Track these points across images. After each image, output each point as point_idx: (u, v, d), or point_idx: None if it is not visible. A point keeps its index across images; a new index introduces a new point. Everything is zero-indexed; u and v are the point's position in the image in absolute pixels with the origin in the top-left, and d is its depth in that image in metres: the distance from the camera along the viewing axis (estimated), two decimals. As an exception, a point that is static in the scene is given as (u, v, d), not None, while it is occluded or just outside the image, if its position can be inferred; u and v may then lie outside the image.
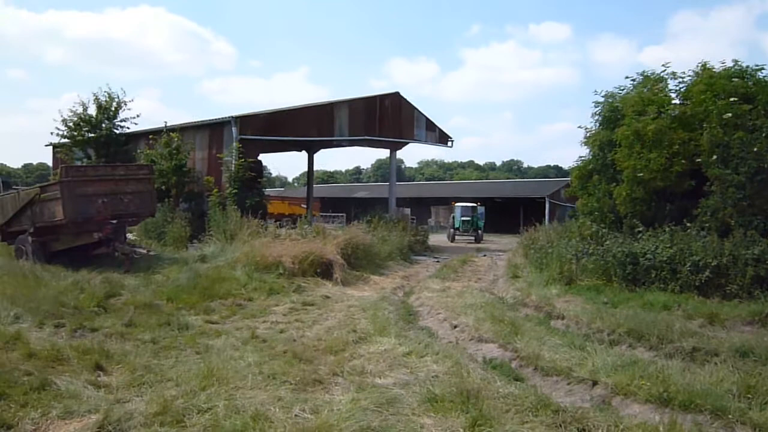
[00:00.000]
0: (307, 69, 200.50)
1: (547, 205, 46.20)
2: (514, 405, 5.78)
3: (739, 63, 14.50)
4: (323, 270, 14.35)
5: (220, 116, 22.16)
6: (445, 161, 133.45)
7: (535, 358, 7.68)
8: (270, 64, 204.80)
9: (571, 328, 9.76)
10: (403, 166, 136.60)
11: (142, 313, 9.56)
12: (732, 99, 12.78)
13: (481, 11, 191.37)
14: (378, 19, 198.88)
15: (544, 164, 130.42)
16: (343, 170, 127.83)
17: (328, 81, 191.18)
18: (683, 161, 13.44)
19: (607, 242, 13.47)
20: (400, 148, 28.43)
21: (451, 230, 35.18)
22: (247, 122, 21.23)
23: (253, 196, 20.27)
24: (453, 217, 36.34)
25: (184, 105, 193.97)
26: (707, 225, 12.66)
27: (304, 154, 31.07)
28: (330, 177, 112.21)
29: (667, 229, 12.81)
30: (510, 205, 50.29)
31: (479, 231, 35.45)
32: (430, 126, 28.81)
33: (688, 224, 12.73)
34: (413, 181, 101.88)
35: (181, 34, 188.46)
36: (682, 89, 15.62)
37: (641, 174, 13.66)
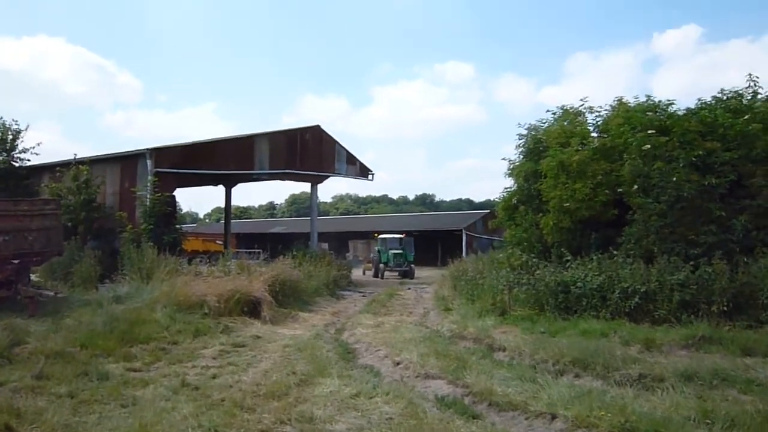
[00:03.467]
0: (215, 104, 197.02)
1: (464, 237, 47.03)
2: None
3: (652, 98, 15.35)
4: (250, 308, 13.64)
5: (130, 149, 21.01)
6: (360, 195, 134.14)
7: (488, 393, 7.40)
8: (177, 97, 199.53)
9: (516, 359, 9.60)
10: (318, 201, 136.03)
11: (54, 363, 8.50)
12: (650, 131, 13.36)
13: (388, 50, 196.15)
14: (285, 55, 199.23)
15: (456, 198, 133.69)
16: (257, 206, 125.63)
17: (238, 116, 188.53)
18: (606, 191, 13.88)
19: (538, 272, 13.60)
20: (321, 182, 28.03)
21: (380, 265, 32.18)
22: (162, 155, 20.18)
23: (170, 233, 19.17)
24: (378, 251, 33.61)
25: (87, 139, 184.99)
26: (632, 252, 13.03)
27: (214, 189, 30.06)
28: (243, 212, 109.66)
29: (594, 257, 13.10)
30: (427, 237, 50.76)
31: (411, 264, 32.74)
32: (351, 159, 28.68)
33: (615, 252, 13.07)
34: (328, 215, 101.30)
35: (82, 66, 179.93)
36: (599, 123, 16.29)
37: (567, 204, 13.97)
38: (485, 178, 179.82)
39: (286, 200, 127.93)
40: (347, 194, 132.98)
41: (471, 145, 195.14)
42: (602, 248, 13.86)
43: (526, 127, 16.77)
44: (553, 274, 13.10)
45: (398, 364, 9.37)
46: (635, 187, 13.34)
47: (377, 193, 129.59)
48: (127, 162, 21.02)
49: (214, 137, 24.10)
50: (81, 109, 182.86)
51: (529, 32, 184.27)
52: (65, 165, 21.06)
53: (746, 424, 5.78)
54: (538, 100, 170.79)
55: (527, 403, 6.96)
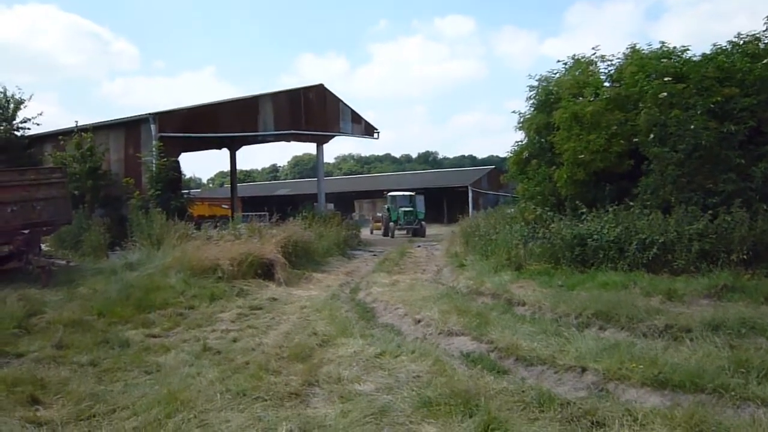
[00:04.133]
0: (214, 67, 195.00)
1: (470, 194, 46.86)
2: (515, 402, 5.38)
3: (666, 44, 14.87)
4: (264, 271, 13.56)
5: (135, 114, 20.67)
6: (363, 155, 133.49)
7: (513, 349, 7.32)
8: (175, 63, 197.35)
9: (537, 314, 9.50)
10: (323, 161, 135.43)
11: (73, 332, 8.46)
12: (666, 79, 12.99)
13: (386, 6, 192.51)
14: (283, 15, 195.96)
15: (459, 155, 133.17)
16: (260, 168, 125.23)
17: (237, 78, 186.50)
18: (622, 141, 13.57)
19: (553, 225, 13.43)
20: (327, 142, 27.68)
21: (390, 223, 31.38)
22: (166, 119, 19.86)
23: (177, 198, 18.99)
24: (388, 209, 32.60)
25: (85, 109, 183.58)
26: (648, 203, 12.80)
27: (216, 153, 29.76)
28: (247, 176, 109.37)
29: (610, 209, 12.90)
30: (433, 195, 50.58)
31: (422, 222, 32.00)
32: (356, 118, 28.25)
33: (631, 203, 12.86)
34: (331, 176, 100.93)
35: (76, 34, 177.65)
36: (611, 72, 15.88)
37: (582, 156, 13.69)
38: (488, 134, 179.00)
39: (288, 162, 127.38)
40: (350, 154, 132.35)
41: (473, 102, 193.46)
42: (617, 200, 13.62)
43: (537, 78, 16.39)
44: (569, 227, 12.93)
45: (419, 322, 9.28)
46: (651, 136, 13.03)
47: (380, 152, 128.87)
48: (131, 128, 20.72)
49: (217, 100, 23.66)
50: (77, 79, 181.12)
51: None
52: (68, 133, 20.77)
53: (783, 372, 5.68)
54: (540, 53, 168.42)
55: (555, 357, 6.87)
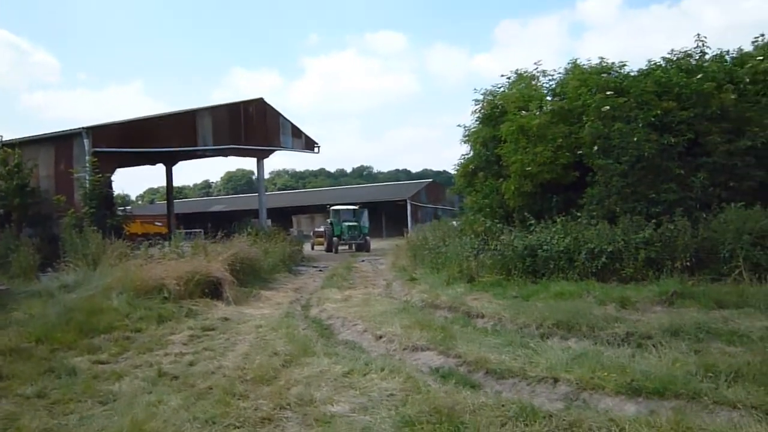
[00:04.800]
0: (142, 81, 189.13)
1: (408, 208, 47.17)
2: (497, 417, 5.26)
3: (605, 60, 15.42)
4: (211, 289, 13.01)
5: (64, 129, 19.66)
6: (297, 170, 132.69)
7: (483, 362, 7.26)
8: (99, 76, 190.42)
9: (498, 326, 9.52)
10: (254, 177, 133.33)
11: (11, 362, 7.82)
12: (608, 93, 13.43)
13: (316, 20, 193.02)
14: (213, 29, 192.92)
15: (393, 168, 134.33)
16: (192, 185, 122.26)
17: (167, 94, 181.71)
18: (567, 153, 13.94)
19: (503, 237, 13.58)
20: (267, 156, 27.21)
21: (334, 238, 30.67)
22: (100, 134, 18.97)
23: (113, 215, 18.12)
24: (331, 224, 31.98)
25: (3, 122, 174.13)
26: (594, 213, 13.17)
27: (145, 170, 28.72)
28: (179, 192, 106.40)
29: (558, 220, 13.17)
30: (371, 209, 50.62)
31: (366, 237, 31.63)
32: (296, 132, 27.92)
33: (578, 214, 13.18)
34: (267, 191, 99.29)
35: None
36: (552, 86, 16.32)
37: (529, 168, 13.96)
38: (421, 148, 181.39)
39: (222, 178, 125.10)
40: (284, 169, 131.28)
41: (406, 116, 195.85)
42: (564, 211, 13.97)
43: (482, 92, 16.64)
44: (519, 238, 13.11)
45: (380, 337, 9.11)
46: (595, 148, 13.44)
47: (314, 167, 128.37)
48: (62, 143, 19.65)
49: (153, 114, 22.84)
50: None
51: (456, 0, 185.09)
52: (-8, 148, 19.55)
53: (750, 375, 5.84)
54: (470, 69, 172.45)
55: (525, 369, 6.84)
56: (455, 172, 17.70)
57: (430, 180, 56.52)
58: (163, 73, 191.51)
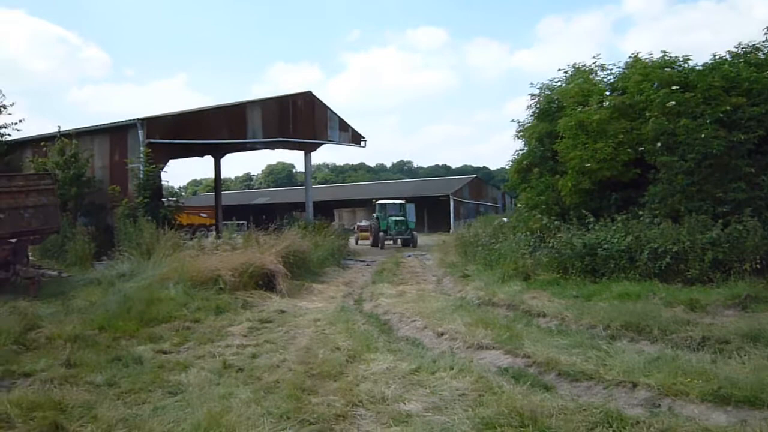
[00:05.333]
0: (185, 76, 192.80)
1: (451, 203, 46.83)
2: (582, 422, 5.06)
3: (668, 53, 14.87)
4: (265, 282, 13.08)
5: (120, 120, 20.02)
6: (337, 164, 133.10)
7: (553, 363, 7.03)
8: (145, 71, 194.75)
9: (562, 326, 9.24)
10: (294, 171, 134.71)
11: (78, 349, 7.93)
12: (674, 87, 12.94)
13: (358, 16, 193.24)
14: (255, 24, 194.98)
15: (433, 164, 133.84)
16: (233, 177, 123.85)
17: (209, 88, 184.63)
18: (628, 150, 13.49)
19: (560, 235, 13.24)
20: (315, 150, 27.25)
21: (380, 233, 29.62)
22: (153, 125, 19.23)
23: (167, 206, 18.37)
24: (377, 218, 30.84)
25: (54, 116, 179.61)
26: (657, 212, 12.72)
27: (188, 162, 28.90)
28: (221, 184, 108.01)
29: (619, 218, 12.78)
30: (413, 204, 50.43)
31: (413, 232, 30.63)
32: (343, 126, 27.90)
33: (640, 212, 12.75)
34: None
35: (45, 40, 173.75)
36: (611, 81, 15.83)
37: (588, 164, 13.56)
38: (460, 143, 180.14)
39: (263, 171, 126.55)
40: (324, 163, 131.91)
41: (445, 112, 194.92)
42: (622, 209, 13.56)
43: (538, 86, 16.26)
44: (577, 236, 12.75)
45: (442, 335, 8.94)
46: (658, 144, 12.98)
47: (354, 162, 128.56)
48: (117, 134, 20.03)
49: (204, 106, 23.05)
50: (45, 86, 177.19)
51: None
52: (50, 139, 19.97)
53: None
54: (511, 65, 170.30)
55: (599, 372, 6.59)
56: (508, 168, 17.35)
57: (474, 176, 56.00)
58: (205, 68, 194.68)
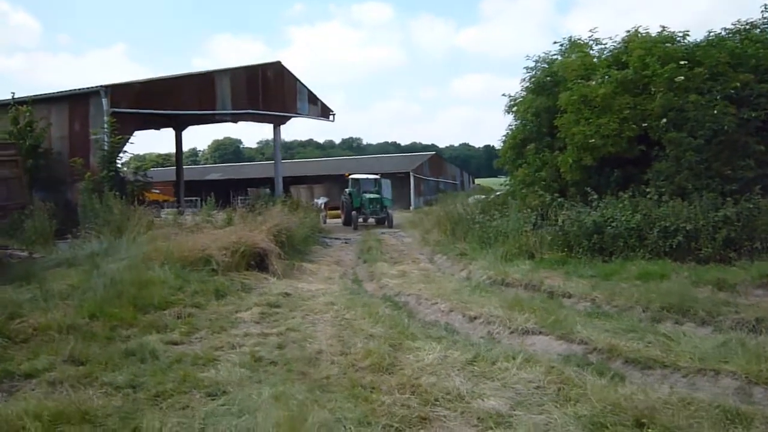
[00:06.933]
0: (125, 45, 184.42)
1: (411, 180, 46.28)
2: (707, 418, 4.57)
3: (667, 28, 14.58)
4: (256, 261, 12.20)
5: (80, 87, 18.41)
6: (285, 140, 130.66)
7: (615, 350, 6.58)
8: (81, 39, 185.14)
9: (592, 307, 8.84)
10: (242, 146, 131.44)
11: (75, 340, 6.93)
12: (682, 62, 12.63)
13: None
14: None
15: (382, 141, 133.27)
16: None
17: (150, 59, 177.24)
18: (633, 126, 13.15)
19: (565, 212, 12.85)
20: (284, 123, 26.00)
21: (353, 212, 26.74)
22: (119, 93, 17.72)
23: (135, 181, 17.06)
24: (349, 194, 28.06)
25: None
26: (662, 190, 12.46)
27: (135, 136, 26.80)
28: (166, 159, 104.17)
29: (625, 195, 12.47)
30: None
31: (388, 210, 27.86)
32: (312, 99, 26.77)
33: (647, 189, 12.46)
34: (254, 161, 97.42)
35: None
36: (605, 56, 15.43)
37: (592, 140, 13.16)
38: (407, 121, 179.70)
39: (209, 146, 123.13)
40: (272, 139, 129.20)
41: (392, 89, 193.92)
42: (623, 186, 13.26)
43: (534, 59, 15.73)
44: (585, 214, 12.37)
45: (474, 318, 8.39)
46: (664, 120, 12.69)
47: (303, 138, 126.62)
48: (77, 101, 18.35)
49: (172, 74, 21.54)
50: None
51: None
52: (1, 106, 18.20)
53: None
54: (456, 43, 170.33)
55: (671, 359, 6.18)
56: (501, 144, 16.81)
57: (433, 152, 55.61)
58: (144, 38, 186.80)
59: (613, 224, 11.93)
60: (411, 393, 5.28)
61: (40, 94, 18.78)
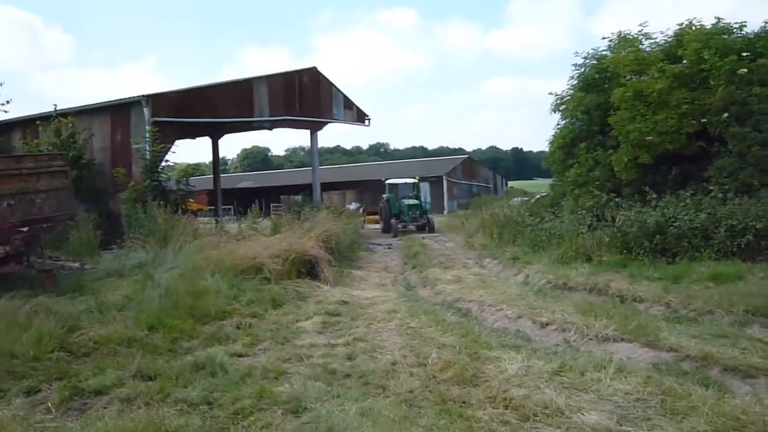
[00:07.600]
0: (154, 58, 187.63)
1: (444, 184, 45.87)
2: None
3: (722, 20, 14.02)
4: (307, 269, 11.97)
5: (122, 97, 18.47)
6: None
7: (710, 357, 6.15)
8: (112, 54, 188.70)
9: (668, 312, 8.39)
10: (270, 154, 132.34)
11: (136, 352, 6.77)
12: (744, 54, 12.11)
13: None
14: (224, 6, 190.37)
15: (410, 146, 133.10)
16: (207, 162, 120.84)
17: (178, 70, 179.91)
18: (692, 121, 12.64)
19: (623, 212, 12.37)
20: (321, 129, 25.86)
21: (391, 219, 25.45)
22: (159, 102, 17.72)
23: (178, 190, 17.01)
24: (387, 200, 26.97)
25: (18, 102, 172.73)
26: (726, 187, 11.93)
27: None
28: (195, 169, 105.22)
29: (687, 194, 11.97)
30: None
31: (428, 216, 26.59)
32: (348, 104, 26.57)
33: (710, 187, 11.94)
34: (282, 168, 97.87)
35: (7, 24, 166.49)
36: (655, 50, 14.93)
37: (650, 137, 12.67)
38: (434, 125, 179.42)
39: (237, 155, 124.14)
40: (300, 147, 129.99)
41: (419, 93, 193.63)
42: (681, 185, 12.74)
43: (583, 55, 15.28)
44: (646, 213, 11.89)
45: (546, 325, 8.01)
46: (725, 115, 12.17)
47: (330, 144, 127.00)
48: (118, 112, 18.41)
49: (210, 83, 21.47)
50: (6, 72, 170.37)
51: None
52: (44, 119, 18.32)
53: None
54: (484, 46, 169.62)
55: (768, 366, 5.75)
56: (550, 144, 16.34)
57: (466, 156, 55.13)
58: (174, 50, 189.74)
59: (676, 224, 11.43)
60: (504, 407, 4.96)
61: (82, 106, 18.90)
